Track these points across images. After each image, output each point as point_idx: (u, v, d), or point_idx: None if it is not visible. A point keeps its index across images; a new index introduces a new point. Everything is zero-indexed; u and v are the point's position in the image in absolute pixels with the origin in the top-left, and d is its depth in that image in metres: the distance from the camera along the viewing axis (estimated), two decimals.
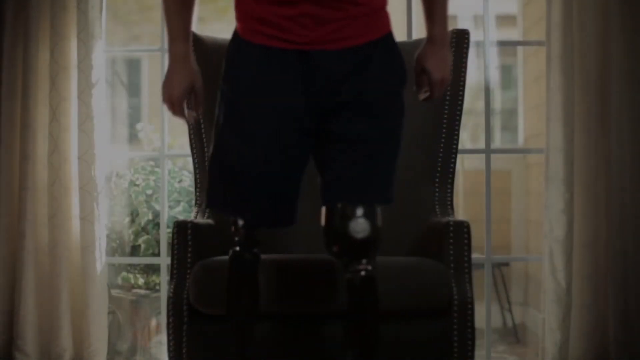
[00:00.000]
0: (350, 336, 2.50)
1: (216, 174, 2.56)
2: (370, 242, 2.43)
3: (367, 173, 2.47)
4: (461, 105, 3.36)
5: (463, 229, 2.94)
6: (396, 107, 2.52)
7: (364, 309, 2.47)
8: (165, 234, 3.93)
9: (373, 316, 2.49)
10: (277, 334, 2.85)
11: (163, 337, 4.17)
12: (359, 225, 2.42)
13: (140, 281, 4.35)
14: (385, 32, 2.54)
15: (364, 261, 2.44)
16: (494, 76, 7.27)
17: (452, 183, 3.36)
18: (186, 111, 2.61)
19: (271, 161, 2.49)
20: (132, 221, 4.30)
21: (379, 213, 2.46)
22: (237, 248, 2.62)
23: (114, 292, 4.28)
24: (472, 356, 2.89)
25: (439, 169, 3.34)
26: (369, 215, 2.44)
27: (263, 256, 2.71)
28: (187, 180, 4.35)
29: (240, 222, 2.59)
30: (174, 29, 2.57)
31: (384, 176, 2.49)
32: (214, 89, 3.14)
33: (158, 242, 4.13)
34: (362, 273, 2.43)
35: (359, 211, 2.43)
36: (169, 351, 2.94)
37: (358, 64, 2.48)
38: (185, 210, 4.25)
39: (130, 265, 4.34)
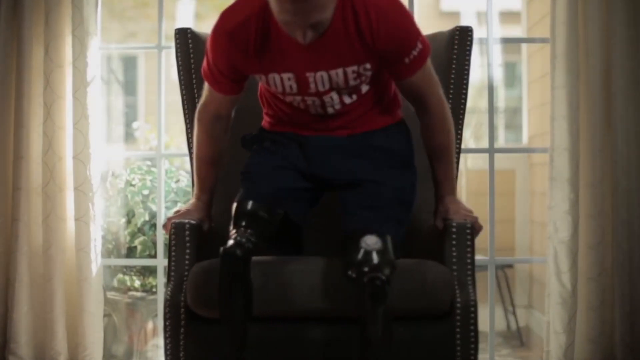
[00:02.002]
0: (360, 346, 2.60)
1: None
2: (381, 254, 2.62)
3: (377, 207, 2.74)
4: (464, 103, 3.33)
5: (466, 230, 2.90)
6: (397, 167, 2.84)
7: (374, 316, 2.56)
8: (162, 235, 3.90)
9: (383, 326, 2.57)
10: (268, 337, 2.82)
11: (160, 341, 4.13)
12: (370, 239, 2.64)
13: (137, 283, 4.32)
14: (387, 123, 2.87)
15: (377, 270, 2.59)
16: (498, 74, 7.26)
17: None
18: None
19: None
20: (128, 222, 4.27)
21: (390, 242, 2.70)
22: (229, 244, 2.64)
23: (110, 294, 4.25)
24: None
25: None
26: (380, 235, 2.67)
27: (256, 258, 2.73)
28: (185, 180, 4.32)
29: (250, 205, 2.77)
30: (203, 182, 2.98)
31: (392, 212, 2.75)
32: None
33: (155, 243, 4.11)
34: (375, 281, 2.56)
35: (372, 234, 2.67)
36: (166, 355, 2.90)
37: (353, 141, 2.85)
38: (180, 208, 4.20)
39: (126, 267, 4.31)
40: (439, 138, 2.86)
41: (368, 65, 2.70)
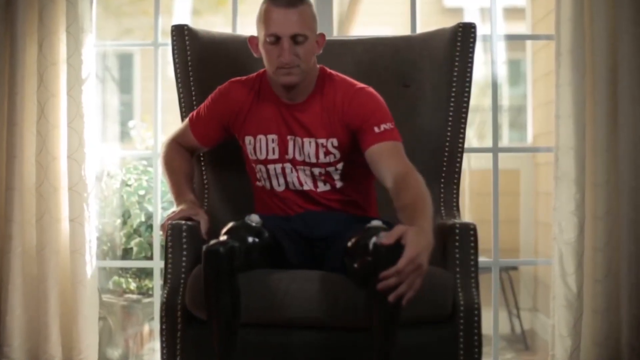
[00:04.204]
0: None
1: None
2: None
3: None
4: (467, 102, 3.31)
5: (469, 231, 2.88)
6: None
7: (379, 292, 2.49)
8: (158, 236, 3.87)
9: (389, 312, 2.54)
10: (262, 343, 2.79)
11: (156, 344, 4.13)
12: (376, 222, 2.67)
13: (133, 286, 4.31)
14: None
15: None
16: (502, 72, 7.21)
17: (458, 183, 3.31)
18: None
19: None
20: (124, 223, 4.26)
21: None
22: (211, 242, 2.65)
23: (105, 297, 4.24)
24: None
25: (444, 168, 3.29)
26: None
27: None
28: None
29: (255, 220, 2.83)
30: (182, 185, 3.03)
31: None
32: (206, 82, 3.13)
33: (151, 244, 4.10)
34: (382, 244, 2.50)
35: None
36: (163, 358, 2.89)
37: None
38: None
39: (122, 269, 4.30)
40: (408, 197, 2.68)
41: (335, 142, 2.91)
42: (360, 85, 2.95)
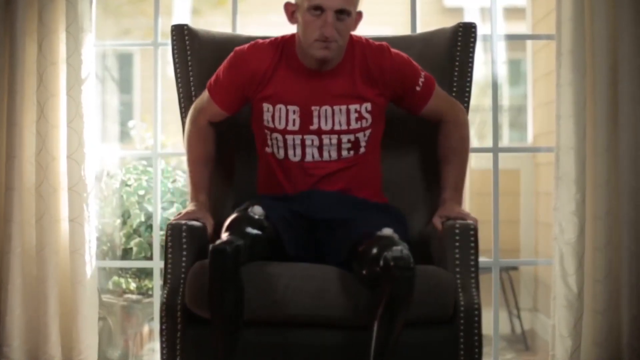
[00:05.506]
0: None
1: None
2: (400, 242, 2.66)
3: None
4: (467, 102, 3.30)
5: (469, 231, 2.88)
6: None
7: (398, 294, 2.56)
8: (158, 236, 3.87)
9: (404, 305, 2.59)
10: (264, 343, 2.79)
11: (156, 344, 4.13)
12: (387, 230, 2.72)
13: (132, 286, 4.29)
14: (377, 199, 3.02)
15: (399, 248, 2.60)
16: (502, 71, 7.20)
17: None
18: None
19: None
20: (124, 223, 4.24)
21: None
22: (217, 242, 2.66)
23: (105, 297, 4.22)
24: None
25: None
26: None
27: (257, 262, 2.74)
28: (181, 180, 4.31)
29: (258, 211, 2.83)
30: (198, 183, 3.05)
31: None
32: (206, 82, 3.14)
33: (151, 245, 4.08)
34: (401, 252, 2.57)
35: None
36: (162, 359, 2.88)
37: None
38: (179, 211, 4.18)
39: (121, 269, 4.28)
40: (452, 142, 3.06)
41: (369, 106, 2.92)
42: (377, 43, 2.99)
